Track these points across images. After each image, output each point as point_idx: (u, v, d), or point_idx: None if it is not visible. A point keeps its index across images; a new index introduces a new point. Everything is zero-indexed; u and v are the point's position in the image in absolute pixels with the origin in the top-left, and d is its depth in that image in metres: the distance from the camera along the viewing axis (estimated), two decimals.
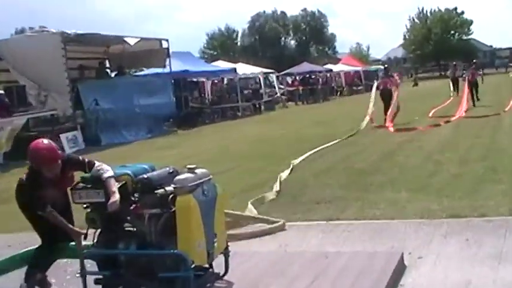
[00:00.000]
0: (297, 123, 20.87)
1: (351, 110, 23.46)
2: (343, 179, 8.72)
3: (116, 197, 4.06)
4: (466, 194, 6.90)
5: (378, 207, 6.72)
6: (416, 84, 48.29)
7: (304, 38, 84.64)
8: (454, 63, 31.61)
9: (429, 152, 10.90)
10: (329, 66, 48.92)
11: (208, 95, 30.81)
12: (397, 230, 5.73)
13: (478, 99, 21.78)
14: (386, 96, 17.79)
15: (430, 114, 18.73)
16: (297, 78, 40.93)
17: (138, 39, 21.79)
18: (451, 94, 26.09)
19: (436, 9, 77.31)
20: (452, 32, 75.91)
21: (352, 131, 14.87)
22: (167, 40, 23.33)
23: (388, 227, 5.88)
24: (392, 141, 12.91)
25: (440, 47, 71.49)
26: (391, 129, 15.38)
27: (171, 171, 4.32)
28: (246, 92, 32.07)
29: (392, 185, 7.90)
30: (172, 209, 4.01)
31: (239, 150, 13.84)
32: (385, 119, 16.58)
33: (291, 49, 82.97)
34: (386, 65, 23.32)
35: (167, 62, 23.07)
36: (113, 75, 23.47)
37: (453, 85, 27.26)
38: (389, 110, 17.06)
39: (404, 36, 79.55)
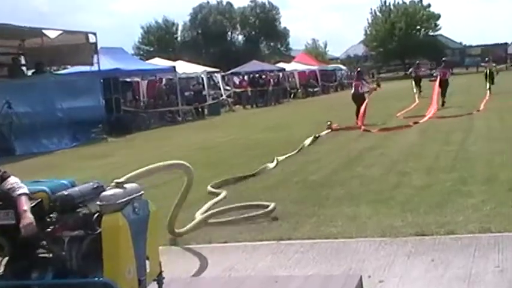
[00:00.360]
0: (246, 129, 20.94)
1: (307, 114, 23.74)
2: (296, 192, 8.78)
3: (29, 217, 3.91)
4: (432, 209, 7.04)
5: (334, 224, 6.78)
6: (378, 86, 49.22)
7: (253, 32, 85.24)
8: (417, 62, 33.29)
9: (393, 160, 11.11)
10: (281, 64, 49.39)
11: (143, 97, 30.57)
12: (356, 250, 5.80)
13: (442, 104, 22.57)
14: (357, 100, 19.44)
15: (398, 115, 19.92)
16: (245, 78, 41.14)
17: (60, 32, 21.43)
18: (416, 96, 26.98)
19: (400, 2, 79.44)
20: (418, 27, 78.19)
21: (308, 137, 14.97)
22: (95, 34, 23.05)
23: (345, 247, 5.93)
24: (352, 149, 13.13)
25: (405, 43, 73.41)
26: (362, 126, 16.65)
27: (95, 186, 4.24)
28: (187, 93, 32.01)
29: (351, 199, 7.99)
30: (98, 230, 3.93)
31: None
32: (356, 121, 17.95)
33: (239, 45, 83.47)
34: (359, 69, 25.19)
35: (95, 59, 22.75)
36: (29, 73, 22.99)
37: (416, 85, 28.46)
38: (360, 111, 18.38)
39: (366, 31, 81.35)
